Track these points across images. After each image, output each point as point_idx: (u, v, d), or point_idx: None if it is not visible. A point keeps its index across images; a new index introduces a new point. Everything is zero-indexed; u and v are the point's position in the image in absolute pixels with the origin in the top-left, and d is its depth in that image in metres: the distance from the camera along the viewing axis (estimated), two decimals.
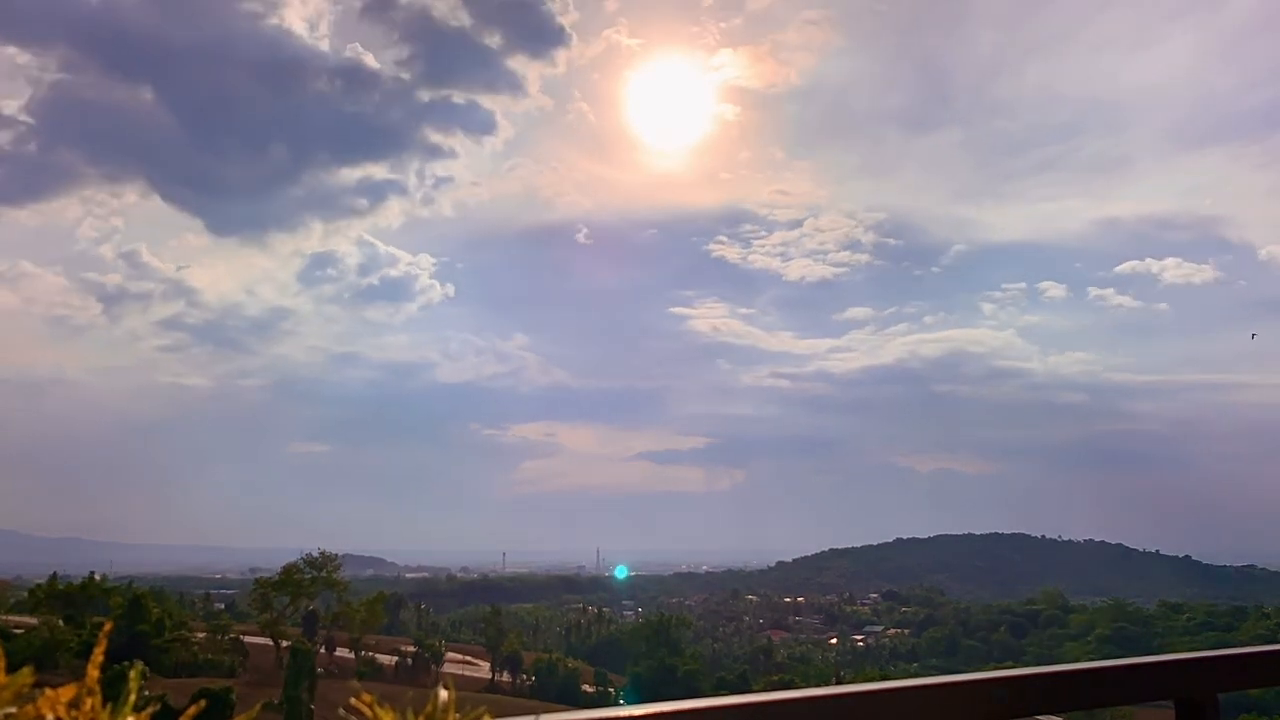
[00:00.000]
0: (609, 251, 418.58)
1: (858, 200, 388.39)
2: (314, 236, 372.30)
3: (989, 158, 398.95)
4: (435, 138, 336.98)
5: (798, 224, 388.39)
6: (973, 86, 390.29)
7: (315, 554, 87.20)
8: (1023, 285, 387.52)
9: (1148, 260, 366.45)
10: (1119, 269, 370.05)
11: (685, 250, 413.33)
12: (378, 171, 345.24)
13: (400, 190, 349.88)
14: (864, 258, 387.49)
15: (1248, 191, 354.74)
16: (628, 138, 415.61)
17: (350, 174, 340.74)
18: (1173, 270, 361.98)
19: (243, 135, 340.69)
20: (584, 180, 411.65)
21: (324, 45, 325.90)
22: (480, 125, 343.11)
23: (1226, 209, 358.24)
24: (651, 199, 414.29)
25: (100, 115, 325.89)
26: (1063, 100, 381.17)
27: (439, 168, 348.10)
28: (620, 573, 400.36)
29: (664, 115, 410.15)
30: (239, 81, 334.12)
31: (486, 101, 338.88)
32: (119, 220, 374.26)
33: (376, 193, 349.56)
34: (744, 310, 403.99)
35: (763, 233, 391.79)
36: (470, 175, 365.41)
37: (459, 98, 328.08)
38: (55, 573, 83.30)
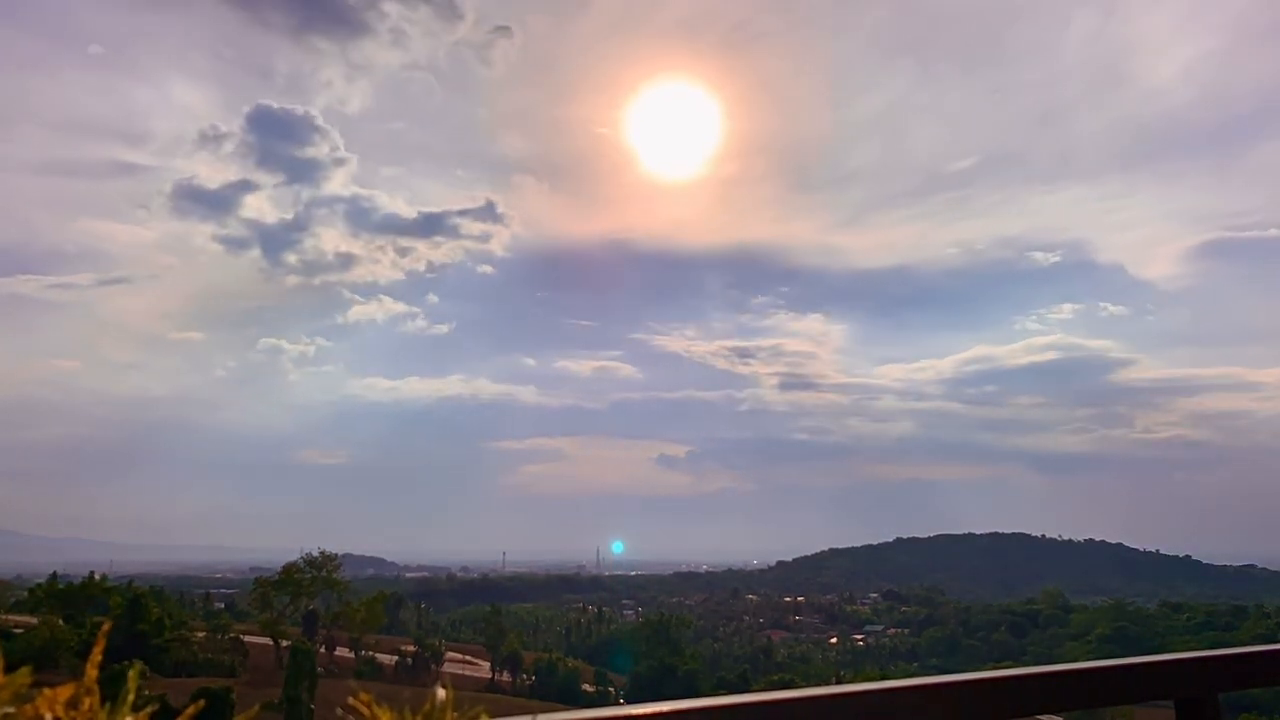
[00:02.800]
0: (614, 282, 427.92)
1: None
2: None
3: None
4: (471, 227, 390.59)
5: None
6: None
7: (315, 554, 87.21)
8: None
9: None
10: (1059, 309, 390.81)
11: (676, 279, 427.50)
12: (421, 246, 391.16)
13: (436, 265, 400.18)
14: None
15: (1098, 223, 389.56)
16: (635, 180, 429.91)
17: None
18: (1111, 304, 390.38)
19: None
20: (585, 226, 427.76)
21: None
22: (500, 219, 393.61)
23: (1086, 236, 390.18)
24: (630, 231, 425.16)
25: None
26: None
27: (467, 243, 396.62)
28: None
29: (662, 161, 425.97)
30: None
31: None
32: None
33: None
34: (734, 330, 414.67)
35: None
36: (492, 242, 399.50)
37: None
38: (55, 572, 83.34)
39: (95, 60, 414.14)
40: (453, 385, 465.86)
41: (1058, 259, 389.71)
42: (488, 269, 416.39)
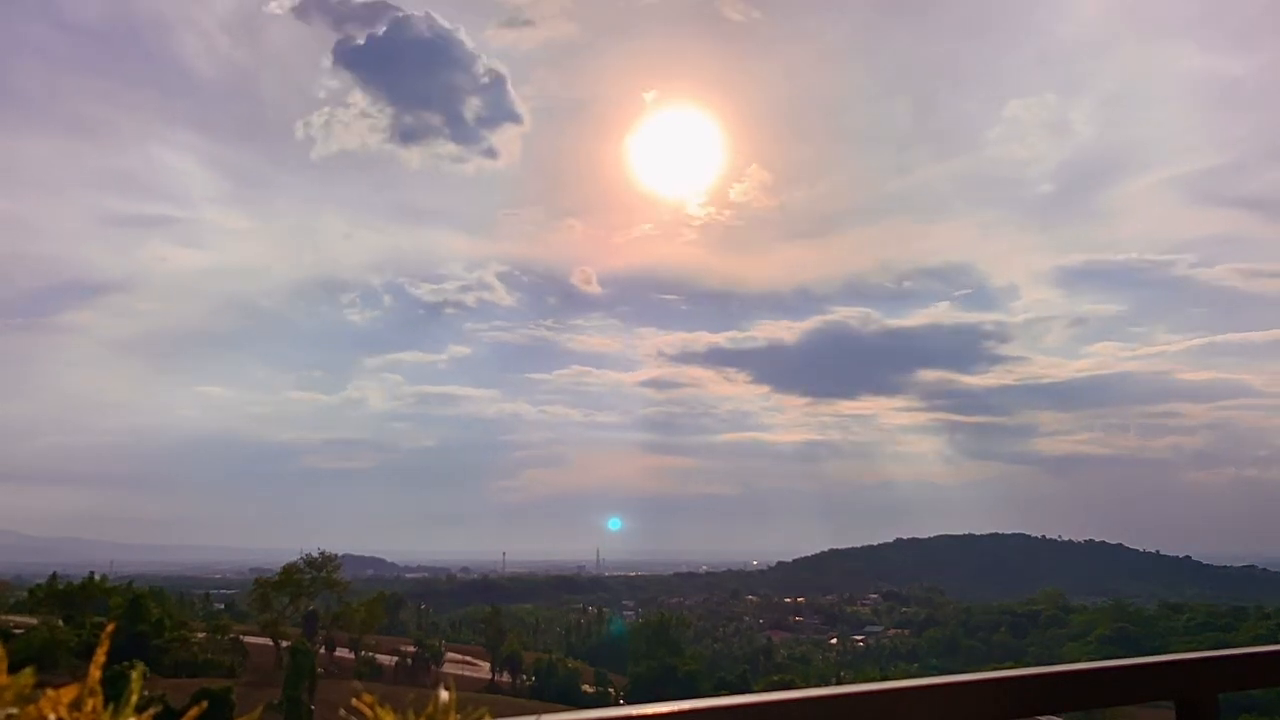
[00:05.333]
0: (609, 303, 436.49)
1: None
2: None
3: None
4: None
5: None
6: None
7: (315, 554, 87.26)
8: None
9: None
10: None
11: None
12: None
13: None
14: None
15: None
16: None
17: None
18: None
19: None
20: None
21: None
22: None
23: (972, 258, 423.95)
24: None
25: None
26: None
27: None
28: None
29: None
30: None
31: None
32: None
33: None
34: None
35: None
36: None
37: None
38: (55, 573, 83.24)
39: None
40: (459, 398, 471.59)
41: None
42: (509, 301, 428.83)
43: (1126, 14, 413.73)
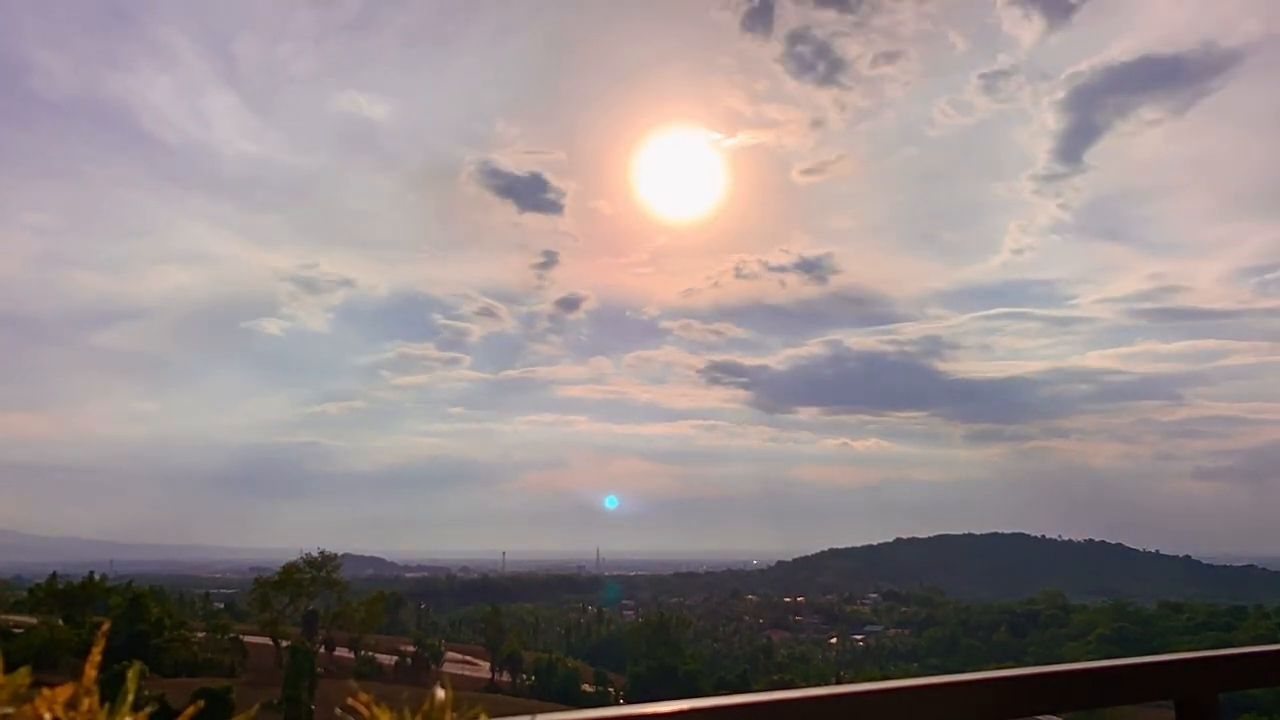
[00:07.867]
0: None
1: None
2: None
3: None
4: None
5: None
6: None
7: (315, 554, 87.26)
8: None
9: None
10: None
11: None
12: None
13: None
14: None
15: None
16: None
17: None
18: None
19: None
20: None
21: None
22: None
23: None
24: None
25: None
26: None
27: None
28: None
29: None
30: None
31: None
32: None
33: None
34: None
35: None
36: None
37: None
38: (55, 572, 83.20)
39: None
40: (465, 406, 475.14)
41: None
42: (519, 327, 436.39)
43: None
